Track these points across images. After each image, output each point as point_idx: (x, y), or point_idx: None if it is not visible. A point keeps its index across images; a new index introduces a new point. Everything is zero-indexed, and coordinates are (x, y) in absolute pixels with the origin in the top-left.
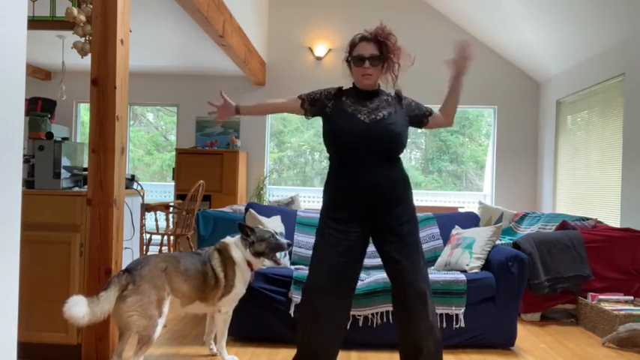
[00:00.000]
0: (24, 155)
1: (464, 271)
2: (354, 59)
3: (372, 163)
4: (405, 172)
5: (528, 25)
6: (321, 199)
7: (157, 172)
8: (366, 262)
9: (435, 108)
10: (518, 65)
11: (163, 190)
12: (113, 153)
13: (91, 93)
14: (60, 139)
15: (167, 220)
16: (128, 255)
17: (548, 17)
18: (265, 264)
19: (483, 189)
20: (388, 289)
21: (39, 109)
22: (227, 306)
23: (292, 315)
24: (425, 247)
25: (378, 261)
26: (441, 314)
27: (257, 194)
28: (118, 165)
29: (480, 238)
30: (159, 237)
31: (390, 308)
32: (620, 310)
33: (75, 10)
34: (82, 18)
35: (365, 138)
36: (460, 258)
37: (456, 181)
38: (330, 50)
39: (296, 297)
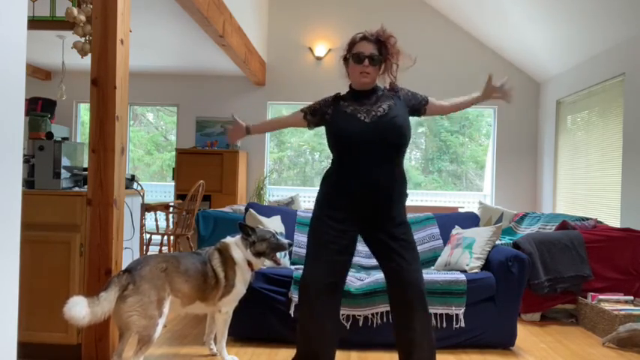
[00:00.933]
0: (24, 155)
1: (464, 271)
2: (353, 57)
3: (375, 162)
4: (405, 172)
5: (528, 25)
6: None
7: (157, 172)
8: (366, 262)
9: None
10: (518, 65)
11: (163, 190)
12: (113, 153)
13: (91, 93)
14: (60, 139)
15: (167, 220)
16: (128, 255)
17: (549, 17)
18: (265, 264)
19: (483, 189)
20: None
21: (39, 109)
22: (227, 306)
23: (292, 315)
24: (425, 247)
25: None
26: (441, 314)
27: (257, 194)
28: (118, 165)
29: (480, 238)
30: (159, 237)
31: None
32: (620, 310)
33: (75, 10)
34: (82, 18)
35: (367, 137)
36: (460, 258)
37: (456, 181)
38: (330, 50)
39: (296, 297)
